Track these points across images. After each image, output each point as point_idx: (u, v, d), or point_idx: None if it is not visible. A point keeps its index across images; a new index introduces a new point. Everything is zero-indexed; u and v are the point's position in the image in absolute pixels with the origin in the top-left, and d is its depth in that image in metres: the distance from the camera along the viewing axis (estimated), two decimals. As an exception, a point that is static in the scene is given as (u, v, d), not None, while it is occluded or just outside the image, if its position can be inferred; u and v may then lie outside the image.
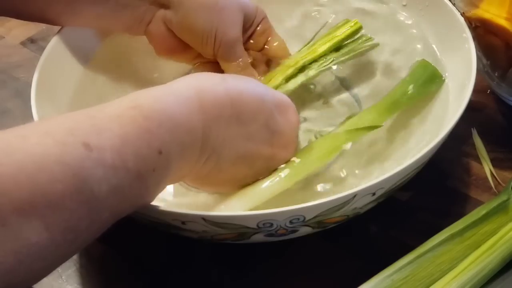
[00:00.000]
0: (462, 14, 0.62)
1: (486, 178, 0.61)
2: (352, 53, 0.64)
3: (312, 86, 0.67)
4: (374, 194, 0.50)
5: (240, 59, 0.62)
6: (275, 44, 0.65)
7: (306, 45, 0.66)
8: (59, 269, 0.55)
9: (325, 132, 0.60)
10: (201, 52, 0.63)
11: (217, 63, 0.63)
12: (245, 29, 0.63)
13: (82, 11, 0.61)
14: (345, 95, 0.66)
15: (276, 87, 0.62)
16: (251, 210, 0.51)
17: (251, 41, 0.64)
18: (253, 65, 0.64)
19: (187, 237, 0.53)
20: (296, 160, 0.55)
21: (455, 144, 0.62)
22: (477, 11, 0.61)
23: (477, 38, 0.61)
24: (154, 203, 0.47)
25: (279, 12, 0.70)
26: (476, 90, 0.57)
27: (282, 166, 0.54)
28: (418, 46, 0.66)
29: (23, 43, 0.81)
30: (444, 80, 0.61)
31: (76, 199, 0.39)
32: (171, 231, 0.52)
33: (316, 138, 0.59)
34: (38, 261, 0.38)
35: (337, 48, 0.64)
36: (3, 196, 0.36)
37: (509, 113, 0.66)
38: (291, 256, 0.56)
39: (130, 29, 0.63)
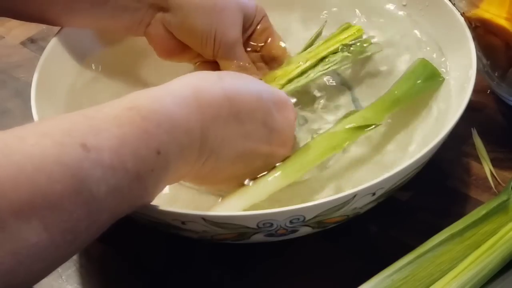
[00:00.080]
0: (462, 14, 0.62)
1: (486, 178, 0.61)
2: (353, 57, 0.64)
3: (312, 87, 0.66)
4: (374, 194, 0.50)
5: (240, 60, 0.62)
6: (275, 43, 0.65)
7: (306, 48, 0.65)
8: (59, 269, 0.55)
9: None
10: (201, 53, 0.63)
11: (217, 63, 0.63)
12: (245, 28, 0.63)
13: (81, 12, 0.61)
14: (345, 95, 0.66)
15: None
16: (250, 208, 0.51)
17: (251, 41, 0.64)
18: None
19: (187, 237, 0.53)
20: (294, 158, 0.55)
21: (455, 144, 0.62)
22: (477, 11, 0.61)
23: (477, 38, 0.61)
24: (154, 202, 0.47)
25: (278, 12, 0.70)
26: (476, 90, 0.57)
27: (281, 164, 0.54)
28: (418, 46, 0.66)
29: (23, 43, 0.81)
30: (443, 79, 0.61)
31: (75, 200, 0.38)
32: (171, 231, 0.52)
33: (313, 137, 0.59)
34: (37, 262, 0.38)
35: (338, 51, 0.64)
36: (2, 198, 0.36)
37: (509, 113, 0.66)
38: (291, 256, 0.56)
39: (130, 31, 0.63)
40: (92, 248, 0.57)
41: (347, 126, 0.57)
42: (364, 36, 0.66)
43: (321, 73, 0.63)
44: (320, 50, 0.64)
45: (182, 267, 0.56)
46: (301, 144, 0.58)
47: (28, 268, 0.37)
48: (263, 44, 0.65)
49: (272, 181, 0.53)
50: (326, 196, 0.49)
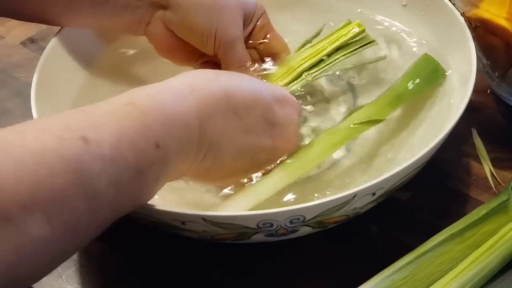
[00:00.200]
0: (462, 14, 0.62)
1: (486, 178, 0.61)
2: (354, 59, 0.64)
3: (313, 85, 0.66)
4: (374, 194, 0.50)
5: (241, 57, 0.62)
6: (274, 40, 0.65)
7: (306, 44, 0.65)
8: (59, 269, 0.55)
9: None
10: (202, 50, 0.63)
11: (218, 63, 0.63)
12: (245, 25, 0.63)
13: (81, 12, 0.61)
14: (346, 94, 0.66)
15: None
16: (253, 208, 0.51)
17: (251, 38, 0.64)
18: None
19: (187, 237, 0.53)
20: (297, 156, 0.55)
21: (455, 144, 0.62)
22: (477, 11, 0.61)
23: (477, 38, 0.61)
24: (156, 203, 0.47)
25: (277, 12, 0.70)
26: (476, 90, 0.57)
27: (284, 162, 0.54)
28: (418, 46, 0.66)
29: (23, 43, 0.81)
30: (446, 74, 0.61)
31: (76, 193, 0.39)
32: (171, 231, 0.52)
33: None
34: (40, 257, 0.38)
35: (339, 49, 0.64)
36: (5, 191, 0.36)
37: (509, 113, 0.66)
38: (291, 256, 0.56)
39: (130, 30, 0.63)
40: (92, 248, 0.57)
41: (350, 123, 0.57)
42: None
43: (322, 73, 0.63)
44: (321, 48, 0.64)
45: (182, 267, 0.56)
46: (302, 143, 0.58)
47: (30, 263, 0.37)
48: (262, 41, 0.65)
49: (276, 179, 0.53)
50: (326, 196, 0.49)
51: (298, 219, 0.49)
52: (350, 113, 0.59)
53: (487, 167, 0.61)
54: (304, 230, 0.51)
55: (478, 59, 0.60)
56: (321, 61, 0.63)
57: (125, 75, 0.67)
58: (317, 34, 0.66)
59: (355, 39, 0.64)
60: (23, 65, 0.78)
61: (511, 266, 0.51)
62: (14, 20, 0.75)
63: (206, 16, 0.60)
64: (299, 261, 0.55)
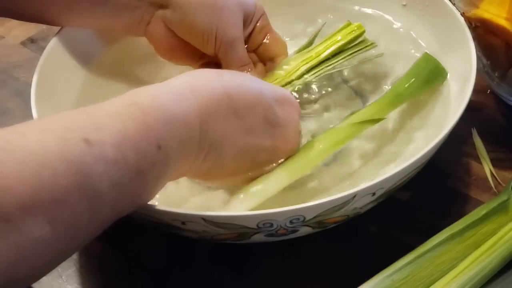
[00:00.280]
0: (462, 14, 0.62)
1: (486, 178, 0.61)
2: (355, 60, 0.64)
3: (313, 86, 0.67)
4: (374, 194, 0.50)
5: (241, 57, 0.62)
6: (273, 41, 0.65)
7: (306, 47, 0.65)
8: (59, 268, 0.55)
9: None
10: (202, 50, 0.63)
11: (218, 63, 0.63)
12: (244, 26, 0.63)
13: (81, 12, 0.61)
14: (346, 95, 0.66)
15: None
16: (253, 208, 0.51)
17: (251, 38, 0.64)
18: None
19: (187, 237, 0.53)
20: (298, 155, 0.55)
21: (455, 144, 0.62)
22: (477, 11, 0.61)
23: (477, 38, 0.61)
24: (157, 202, 0.47)
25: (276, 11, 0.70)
26: (476, 90, 0.57)
27: (285, 161, 0.54)
28: (418, 46, 0.66)
29: (23, 43, 0.81)
30: (446, 73, 0.61)
31: (78, 194, 0.39)
32: (171, 231, 0.52)
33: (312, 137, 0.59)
34: (40, 257, 0.38)
35: (339, 52, 0.64)
36: (7, 192, 0.36)
37: (509, 113, 0.66)
38: (291, 256, 0.56)
39: (130, 30, 0.63)
40: (92, 248, 0.57)
41: (351, 122, 0.57)
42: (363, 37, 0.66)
43: (322, 74, 0.63)
44: (321, 49, 0.64)
45: (182, 267, 0.56)
46: (302, 143, 0.58)
47: (31, 263, 0.37)
48: (261, 42, 0.65)
49: (277, 179, 0.53)
50: (326, 196, 0.49)
51: (298, 219, 0.49)
52: (351, 114, 0.59)
53: (487, 167, 0.61)
54: (304, 230, 0.51)
55: (478, 59, 0.60)
56: (320, 62, 0.63)
57: (125, 75, 0.67)
58: (316, 34, 0.66)
59: (359, 46, 0.64)
60: (23, 65, 0.78)
61: (511, 266, 0.51)
62: (14, 20, 0.75)
63: (206, 16, 0.60)
64: (299, 261, 0.55)
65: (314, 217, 0.49)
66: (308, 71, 0.63)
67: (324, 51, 0.63)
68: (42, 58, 0.62)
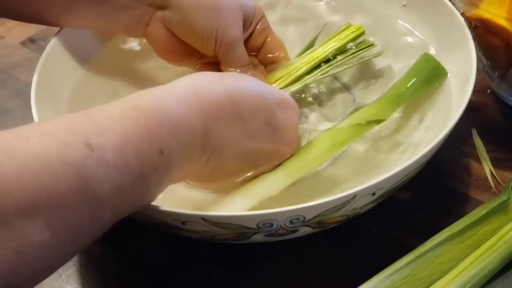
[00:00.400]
0: (462, 14, 0.62)
1: (486, 178, 0.61)
2: (355, 59, 0.64)
3: (312, 88, 0.66)
4: (374, 194, 0.50)
5: (241, 58, 0.62)
6: (273, 43, 0.65)
7: (306, 49, 0.65)
8: (59, 269, 0.55)
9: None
10: (202, 51, 0.63)
11: (218, 64, 0.63)
12: (244, 28, 0.63)
13: (80, 12, 0.61)
14: (345, 96, 0.66)
15: None
16: (252, 208, 0.51)
17: (250, 41, 0.64)
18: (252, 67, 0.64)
19: (187, 237, 0.53)
20: (297, 156, 0.55)
21: (455, 144, 0.62)
22: (477, 11, 0.61)
23: (477, 38, 0.61)
24: (157, 202, 0.47)
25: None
26: (476, 90, 0.57)
27: (284, 163, 0.54)
28: (418, 46, 0.66)
29: (23, 43, 0.81)
30: (446, 72, 0.61)
31: (78, 199, 0.39)
32: (171, 231, 0.52)
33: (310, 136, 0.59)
34: (40, 261, 0.38)
35: (339, 53, 0.64)
36: (6, 196, 0.36)
37: (509, 113, 0.66)
38: (291, 256, 0.56)
39: (129, 31, 0.63)
40: (93, 248, 0.57)
41: (352, 123, 0.57)
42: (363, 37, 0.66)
43: (321, 75, 0.63)
44: (321, 51, 0.64)
45: (182, 267, 0.56)
46: (302, 143, 0.58)
47: (31, 267, 0.37)
48: (261, 44, 0.65)
49: (277, 179, 0.53)
50: (326, 196, 0.49)
51: (298, 219, 0.49)
52: (351, 113, 0.59)
53: (487, 167, 0.61)
54: (304, 230, 0.51)
55: (478, 59, 0.60)
56: (320, 64, 0.63)
57: (125, 75, 0.67)
58: (316, 38, 0.66)
59: (359, 47, 0.64)
60: (23, 65, 0.78)
61: (511, 266, 0.51)
62: (14, 20, 0.75)
63: (206, 17, 0.60)
64: (299, 261, 0.55)
65: (314, 217, 0.49)
66: (308, 72, 0.63)
67: (324, 53, 0.63)
68: (42, 58, 0.62)
